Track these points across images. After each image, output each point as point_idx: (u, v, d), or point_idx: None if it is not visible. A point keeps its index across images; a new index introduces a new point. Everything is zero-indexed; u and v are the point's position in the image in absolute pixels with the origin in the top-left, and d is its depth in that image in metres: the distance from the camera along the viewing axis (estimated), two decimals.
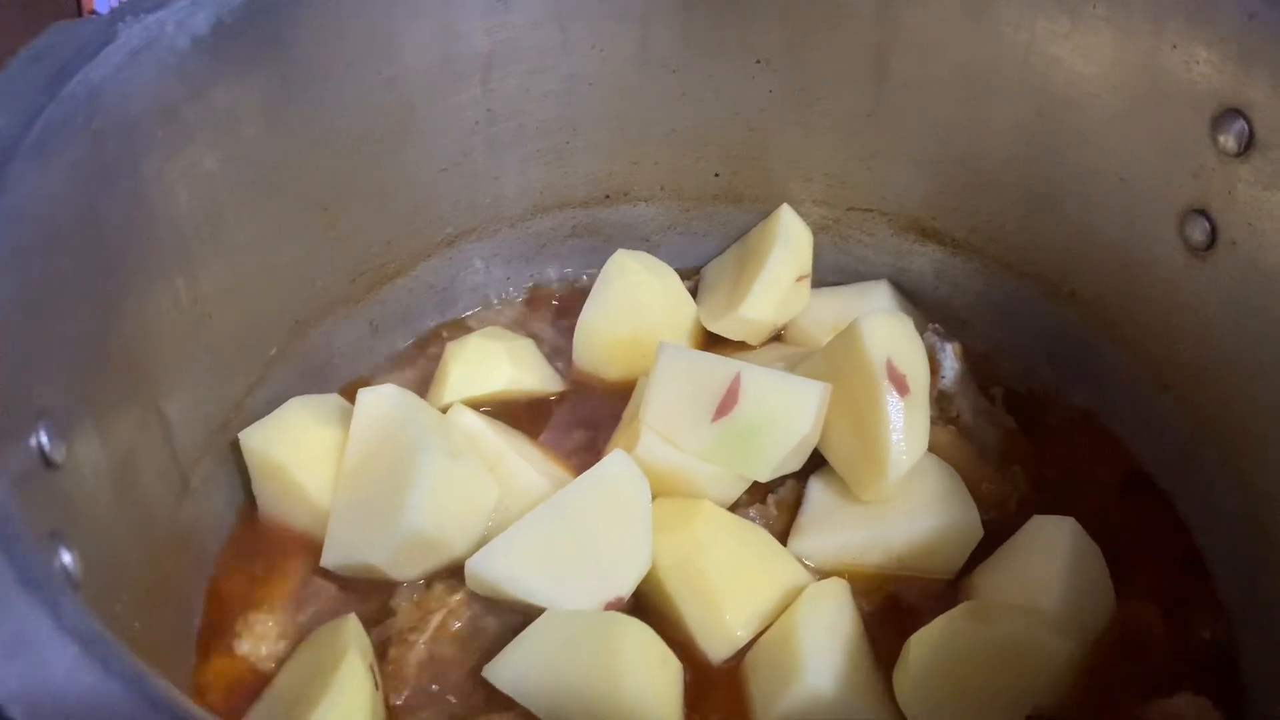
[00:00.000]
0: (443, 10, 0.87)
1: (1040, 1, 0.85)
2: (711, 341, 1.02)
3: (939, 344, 0.92)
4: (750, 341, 1.02)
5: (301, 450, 0.85)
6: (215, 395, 0.86)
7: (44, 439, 0.61)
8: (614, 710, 0.75)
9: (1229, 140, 0.77)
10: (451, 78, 0.90)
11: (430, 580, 0.84)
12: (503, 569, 0.79)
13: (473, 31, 0.89)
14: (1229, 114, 0.77)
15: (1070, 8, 0.84)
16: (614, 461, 0.83)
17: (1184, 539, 0.90)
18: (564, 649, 0.76)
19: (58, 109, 0.66)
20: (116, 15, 0.71)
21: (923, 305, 1.04)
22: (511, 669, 0.76)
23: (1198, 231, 0.82)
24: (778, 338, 1.04)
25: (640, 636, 0.77)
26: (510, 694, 0.76)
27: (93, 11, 1.22)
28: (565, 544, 0.80)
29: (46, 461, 0.61)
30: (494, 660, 0.77)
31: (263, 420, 0.87)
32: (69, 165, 0.67)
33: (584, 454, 0.94)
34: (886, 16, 0.91)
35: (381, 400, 0.84)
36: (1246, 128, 0.76)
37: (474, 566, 0.80)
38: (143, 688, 0.44)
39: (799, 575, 0.84)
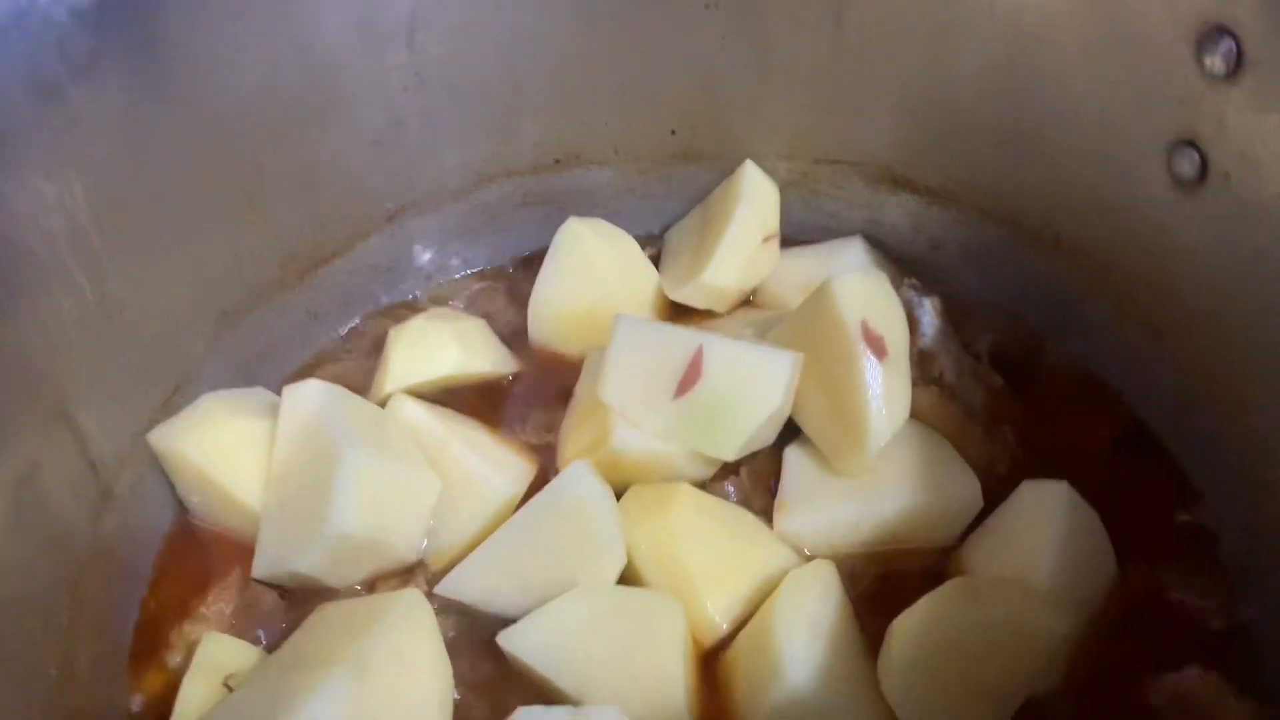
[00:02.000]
0: None
1: None
2: (677, 312, 0.97)
3: (916, 299, 0.86)
4: (717, 309, 0.96)
5: (221, 449, 0.80)
6: (136, 398, 0.80)
7: None
8: (637, 682, 0.72)
9: (1216, 61, 0.71)
10: (372, 41, 0.84)
11: (375, 583, 0.79)
12: (476, 589, 0.77)
13: None
14: (1214, 33, 0.70)
15: None
16: (573, 474, 0.78)
17: (1185, 499, 0.84)
18: (591, 622, 0.73)
19: None
20: None
21: (900, 260, 0.98)
22: (530, 638, 0.73)
23: (1186, 165, 0.76)
24: (747, 303, 0.98)
25: (671, 611, 0.75)
26: (528, 663, 0.72)
27: None
28: (536, 557, 0.77)
29: None
30: (510, 629, 0.73)
31: (172, 419, 0.82)
32: None
33: (544, 435, 0.89)
34: None
35: (306, 397, 0.78)
36: (1234, 46, 0.69)
37: (446, 590, 0.78)
38: None
39: (784, 557, 0.79)
